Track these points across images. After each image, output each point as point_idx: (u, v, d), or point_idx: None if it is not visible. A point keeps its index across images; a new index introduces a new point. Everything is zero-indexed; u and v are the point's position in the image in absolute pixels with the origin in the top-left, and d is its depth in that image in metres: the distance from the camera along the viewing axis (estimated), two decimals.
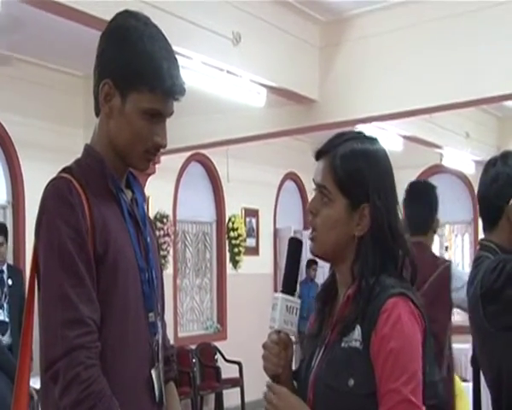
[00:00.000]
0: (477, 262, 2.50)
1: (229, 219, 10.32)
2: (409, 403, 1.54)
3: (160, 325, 1.92)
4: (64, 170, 1.81)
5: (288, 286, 1.68)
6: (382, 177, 1.69)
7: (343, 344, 1.63)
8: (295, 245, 1.71)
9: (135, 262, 1.82)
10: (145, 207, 1.98)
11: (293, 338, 1.71)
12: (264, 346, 1.68)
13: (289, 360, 1.70)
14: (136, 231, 1.87)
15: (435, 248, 11.67)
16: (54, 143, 7.44)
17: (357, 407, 1.59)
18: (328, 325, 1.72)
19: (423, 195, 3.82)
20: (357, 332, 1.61)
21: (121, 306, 1.78)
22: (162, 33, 1.84)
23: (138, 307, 1.82)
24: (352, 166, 1.67)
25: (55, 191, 1.75)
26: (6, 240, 6.57)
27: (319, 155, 1.74)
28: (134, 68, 1.77)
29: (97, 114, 1.87)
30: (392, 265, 1.68)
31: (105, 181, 1.82)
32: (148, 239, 1.92)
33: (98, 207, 1.76)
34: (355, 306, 1.63)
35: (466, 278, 2.62)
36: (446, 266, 3.68)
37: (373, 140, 1.74)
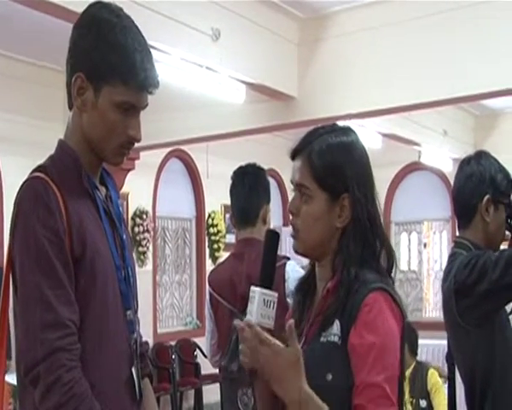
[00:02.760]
0: (451, 259, 2.53)
1: (209, 216, 10.31)
2: (388, 399, 1.55)
3: (136, 322, 1.91)
4: (38, 168, 1.77)
5: (266, 279, 1.66)
6: (359, 167, 1.70)
7: (322, 339, 1.63)
8: (272, 237, 1.70)
9: (112, 261, 1.80)
10: (119, 203, 1.95)
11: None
12: (242, 340, 1.68)
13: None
14: (111, 229, 1.85)
15: (413, 246, 11.86)
16: (32, 137, 7.38)
17: (335, 401, 1.58)
18: (307, 319, 1.72)
19: (248, 178, 3.25)
20: (336, 327, 1.61)
21: (100, 305, 1.76)
22: (135, 25, 1.81)
23: (116, 306, 1.81)
24: (328, 161, 1.67)
25: (31, 192, 1.72)
26: None
27: (295, 153, 1.74)
28: (106, 61, 1.74)
29: (70, 108, 1.84)
30: (371, 255, 1.68)
31: (80, 179, 1.79)
32: (124, 236, 1.90)
33: (74, 207, 1.73)
34: (334, 299, 1.64)
35: None
36: (282, 264, 3.06)
37: (347, 131, 1.74)
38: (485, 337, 2.40)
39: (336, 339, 1.61)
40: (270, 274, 1.67)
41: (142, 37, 1.82)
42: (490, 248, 2.47)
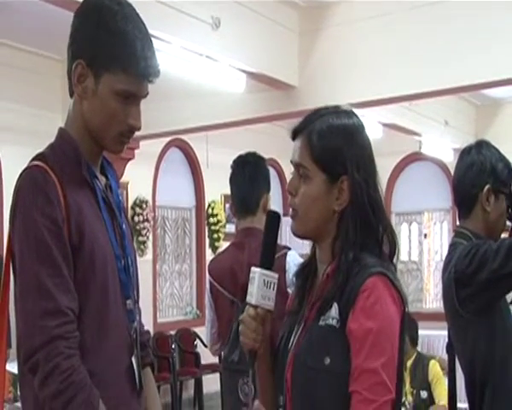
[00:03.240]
0: (451, 248, 2.53)
1: (209, 205, 10.30)
2: (385, 386, 1.54)
3: (136, 311, 1.91)
4: (38, 157, 1.77)
5: (266, 261, 1.66)
6: (360, 150, 1.68)
7: (320, 322, 1.62)
8: (273, 218, 1.70)
9: (111, 250, 1.80)
10: (119, 193, 1.95)
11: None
12: (242, 321, 1.67)
13: (267, 335, 1.69)
14: (111, 219, 1.84)
15: (413, 236, 11.85)
16: (31, 127, 7.37)
17: (333, 386, 1.58)
18: (308, 302, 1.71)
19: (248, 167, 3.22)
20: (335, 310, 1.60)
21: (99, 293, 1.76)
22: (137, 13, 1.80)
23: (116, 295, 1.81)
24: (329, 142, 1.66)
25: (30, 181, 1.72)
26: None
27: (295, 134, 1.72)
28: (107, 49, 1.74)
29: (71, 95, 1.84)
30: (372, 240, 1.66)
31: (79, 168, 1.78)
32: (124, 226, 1.89)
33: (73, 196, 1.73)
34: (333, 283, 1.62)
35: None
36: (282, 254, 3.06)
37: (350, 114, 1.72)
38: (485, 328, 2.39)
39: (334, 323, 1.60)
40: (271, 255, 1.67)
41: (144, 25, 1.81)
42: (490, 238, 2.46)
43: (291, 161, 1.72)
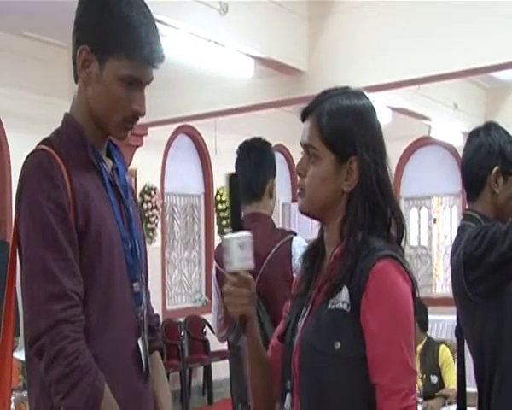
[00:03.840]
0: (460, 231, 2.52)
1: (218, 192, 10.29)
2: (410, 371, 1.55)
3: (144, 294, 1.91)
4: (44, 142, 1.78)
5: (236, 224, 1.67)
6: (369, 131, 1.67)
7: (330, 306, 1.61)
8: (234, 181, 1.71)
9: (118, 232, 1.80)
10: (126, 176, 1.95)
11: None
12: (226, 292, 1.67)
13: (253, 295, 1.69)
14: (118, 201, 1.85)
15: (423, 221, 11.82)
16: (39, 114, 7.36)
17: (342, 370, 1.58)
18: (315, 285, 1.70)
19: (253, 152, 3.20)
20: (345, 294, 1.59)
21: (106, 277, 1.76)
22: None
23: (123, 278, 1.81)
24: (338, 123, 1.65)
25: (36, 165, 1.73)
26: None
27: (305, 115, 1.71)
28: (111, 34, 1.74)
29: (76, 80, 1.84)
30: (380, 222, 1.66)
31: (85, 151, 1.79)
32: (131, 209, 1.89)
33: (79, 179, 1.73)
34: (342, 266, 1.61)
35: None
36: (288, 239, 3.08)
37: (359, 95, 1.72)
38: (493, 311, 2.38)
39: (345, 307, 1.59)
40: (239, 217, 1.69)
41: (148, 10, 1.80)
42: (499, 221, 2.45)
43: (300, 143, 1.71)
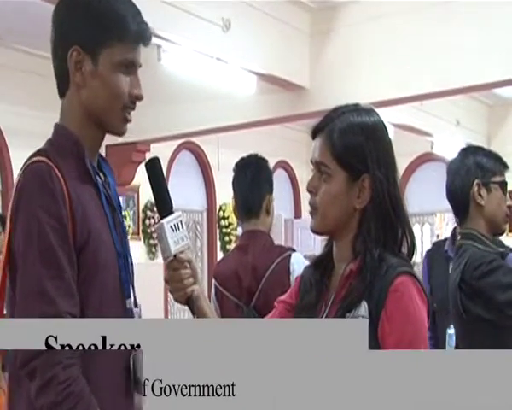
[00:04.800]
0: (459, 251, 2.51)
1: (220, 208, 10.29)
2: None
3: (136, 311, 1.88)
4: (39, 153, 1.73)
5: (164, 208, 1.68)
6: (381, 148, 1.67)
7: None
8: (153, 166, 1.71)
9: (113, 248, 1.77)
10: (117, 190, 1.93)
11: None
12: (167, 280, 1.68)
13: (196, 271, 1.71)
14: (112, 215, 1.82)
15: (426, 238, 11.79)
16: (42, 130, 7.27)
17: None
18: (325, 298, 1.69)
19: (250, 169, 3.15)
20: (364, 308, 1.58)
21: (101, 294, 1.73)
22: None
23: (116, 294, 1.78)
24: (349, 140, 1.65)
25: (35, 176, 1.67)
26: (3, 228, 6.52)
27: (315, 132, 1.71)
28: (100, 26, 1.75)
29: (61, 95, 1.83)
30: (392, 238, 1.66)
31: (81, 163, 1.76)
32: (124, 224, 1.88)
33: (76, 192, 1.69)
34: (360, 281, 1.61)
35: None
36: (285, 256, 3.01)
37: (370, 112, 1.72)
38: (490, 330, 2.37)
39: None
40: (166, 199, 1.70)
41: None
42: (494, 232, 2.51)
43: (311, 160, 1.71)
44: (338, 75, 6.58)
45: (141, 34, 1.78)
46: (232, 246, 10.19)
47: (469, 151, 2.60)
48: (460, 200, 2.55)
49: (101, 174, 1.86)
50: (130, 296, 1.82)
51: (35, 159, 1.70)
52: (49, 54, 1.85)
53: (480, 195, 2.50)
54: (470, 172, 2.52)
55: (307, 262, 2.76)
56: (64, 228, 1.65)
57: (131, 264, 1.88)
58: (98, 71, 1.76)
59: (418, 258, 11.63)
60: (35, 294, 1.63)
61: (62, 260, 1.64)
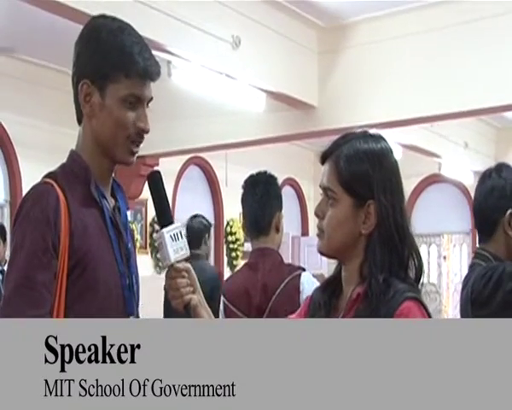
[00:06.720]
0: (470, 269, 2.52)
1: (227, 224, 10.31)
2: None
3: None
4: (48, 175, 1.84)
5: (164, 219, 1.72)
6: (387, 175, 1.69)
7: None
8: (154, 178, 1.77)
9: (116, 268, 1.84)
10: (128, 214, 2.00)
11: None
12: (166, 288, 1.72)
13: (195, 281, 1.74)
14: (117, 237, 1.88)
15: (432, 259, 11.79)
16: (51, 143, 7.42)
17: None
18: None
19: (260, 186, 3.14)
20: None
21: (102, 309, 1.78)
22: (130, 25, 1.87)
23: (119, 312, 1.83)
24: (356, 167, 1.67)
25: (34, 196, 1.78)
26: (3, 240, 6.56)
27: (324, 158, 1.74)
28: (107, 60, 1.80)
29: (79, 121, 1.90)
30: (398, 264, 1.67)
31: (88, 188, 1.83)
32: (129, 245, 1.93)
33: (78, 213, 1.77)
34: (367, 305, 1.63)
35: None
36: (295, 275, 2.99)
37: (378, 138, 1.73)
38: None
39: None
40: (166, 211, 1.74)
41: (138, 33, 1.87)
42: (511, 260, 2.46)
43: (320, 185, 1.74)
44: (346, 94, 6.60)
45: (147, 70, 1.82)
46: (239, 262, 10.20)
47: (507, 171, 2.52)
48: (488, 222, 2.50)
49: (111, 199, 1.93)
50: (133, 313, 1.88)
51: (43, 181, 1.82)
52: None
53: (510, 225, 2.45)
54: (505, 199, 2.46)
55: (316, 282, 2.77)
56: (45, 243, 1.72)
57: (137, 283, 1.94)
58: (105, 104, 1.82)
59: (424, 278, 11.66)
60: (6, 301, 1.71)
61: (36, 272, 1.71)
